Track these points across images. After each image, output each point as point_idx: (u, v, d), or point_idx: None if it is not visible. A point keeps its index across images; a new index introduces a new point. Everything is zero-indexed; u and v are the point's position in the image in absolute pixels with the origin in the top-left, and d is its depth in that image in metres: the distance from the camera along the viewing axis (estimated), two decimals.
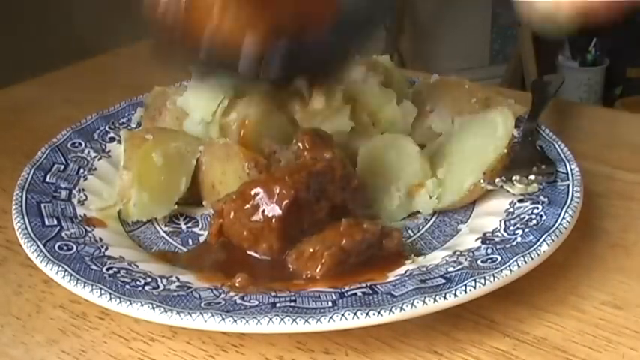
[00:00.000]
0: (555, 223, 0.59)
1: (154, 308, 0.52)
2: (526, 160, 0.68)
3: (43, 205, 0.66)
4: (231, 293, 0.55)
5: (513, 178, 0.65)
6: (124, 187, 0.67)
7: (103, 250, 0.61)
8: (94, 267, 0.57)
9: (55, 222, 0.64)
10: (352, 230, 0.59)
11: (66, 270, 0.56)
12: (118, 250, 0.61)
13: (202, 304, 0.52)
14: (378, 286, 0.55)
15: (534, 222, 0.60)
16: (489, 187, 0.66)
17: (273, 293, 0.54)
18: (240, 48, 0.54)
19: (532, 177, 0.65)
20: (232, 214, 0.61)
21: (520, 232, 0.60)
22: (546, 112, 0.81)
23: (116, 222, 0.67)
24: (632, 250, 0.64)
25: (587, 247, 0.64)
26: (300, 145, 0.65)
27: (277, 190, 0.60)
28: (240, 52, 0.55)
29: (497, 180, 0.66)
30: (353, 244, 0.58)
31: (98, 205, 0.67)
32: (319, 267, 0.58)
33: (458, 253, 0.59)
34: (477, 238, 0.61)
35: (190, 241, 0.66)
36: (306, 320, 0.50)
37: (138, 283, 0.56)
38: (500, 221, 0.63)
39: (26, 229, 0.62)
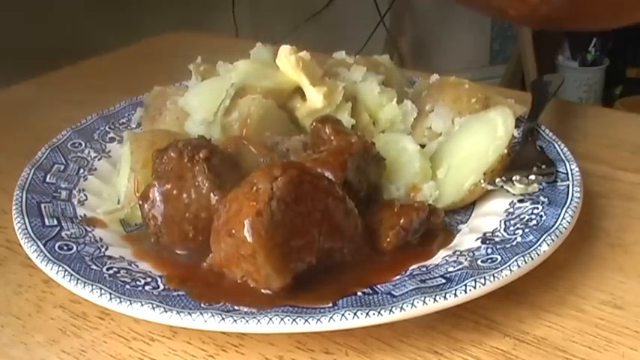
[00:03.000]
0: (555, 223, 0.59)
1: (153, 308, 0.52)
2: (526, 160, 0.68)
3: (43, 205, 0.66)
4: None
5: (513, 178, 0.65)
6: (131, 190, 0.67)
7: (103, 250, 0.61)
8: (94, 267, 0.57)
9: (55, 222, 0.64)
10: (406, 209, 0.61)
11: (66, 270, 0.56)
12: (118, 250, 0.61)
13: (202, 304, 0.52)
14: (378, 286, 0.55)
15: (534, 222, 0.60)
16: (489, 187, 0.66)
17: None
18: None
19: (532, 177, 0.65)
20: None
21: (520, 232, 0.60)
22: (546, 112, 0.81)
23: (116, 222, 0.67)
24: (631, 250, 0.64)
25: (587, 247, 0.64)
26: (327, 130, 0.65)
27: (328, 174, 0.59)
28: None
29: (497, 180, 0.66)
30: (410, 223, 0.60)
31: (105, 208, 0.67)
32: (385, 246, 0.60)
33: (458, 253, 0.59)
34: (477, 238, 0.61)
35: None
36: (306, 320, 0.50)
37: (138, 283, 0.56)
38: (500, 221, 0.63)
39: (26, 229, 0.62)
